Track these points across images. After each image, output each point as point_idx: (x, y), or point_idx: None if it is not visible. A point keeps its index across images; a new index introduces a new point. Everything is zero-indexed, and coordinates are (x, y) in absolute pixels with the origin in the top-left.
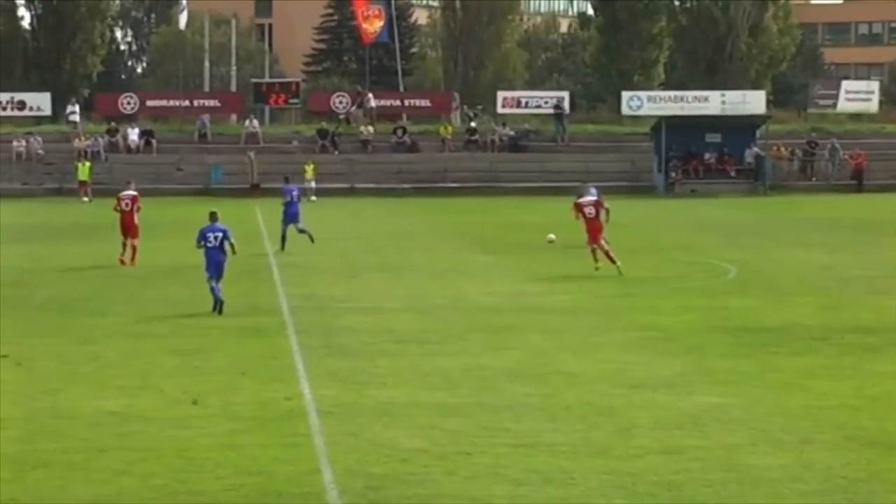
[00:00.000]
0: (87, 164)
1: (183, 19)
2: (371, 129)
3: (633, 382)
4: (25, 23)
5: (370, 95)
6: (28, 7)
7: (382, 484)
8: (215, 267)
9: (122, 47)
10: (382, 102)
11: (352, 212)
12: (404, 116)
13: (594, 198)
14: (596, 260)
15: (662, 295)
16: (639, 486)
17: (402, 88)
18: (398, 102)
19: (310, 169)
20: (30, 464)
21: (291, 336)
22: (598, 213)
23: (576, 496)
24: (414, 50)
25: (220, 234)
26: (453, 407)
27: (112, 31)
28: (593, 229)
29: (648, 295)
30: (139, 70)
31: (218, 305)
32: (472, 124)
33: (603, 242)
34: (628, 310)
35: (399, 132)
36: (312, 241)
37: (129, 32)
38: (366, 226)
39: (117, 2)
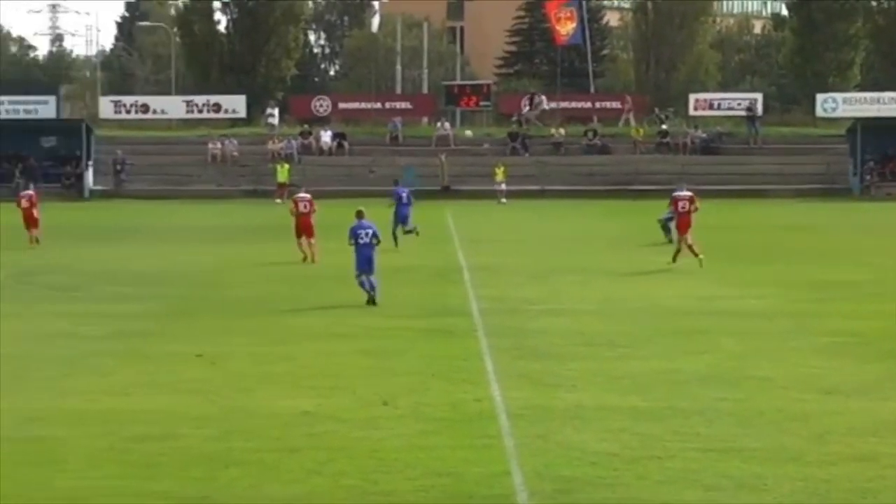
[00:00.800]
0: (287, 166)
1: (375, 22)
2: (562, 131)
3: (827, 388)
4: (221, 27)
5: (543, 98)
6: (224, 11)
7: (572, 487)
8: (367, 262)
9: (316, 50)
10: (573, 105)
11: (542, 214)
12: (595, 118)
13: (689, 193)
14: (674, 260)
15: (858, 300)
16: (833, 493)
17: (592, 90)
18: (589, 104)
19: (500, 171)
20: (223, 462)
21: (482, 338)
22: (689, 209)
23: (769, 502)
24: (605, 52)
25: (370, 231)
26: (644, 410)
27: (306, 35)
28: (683, 223)
29: (844, 299)
30: (332, 73)
31: (370, 298)
32: (664, 126)
33: (688, 237)
34: (823, 314)
35: (590, 134)
36: (417, 234)
37: (323, 36)
38: (556, 228)
39: (311, 5)
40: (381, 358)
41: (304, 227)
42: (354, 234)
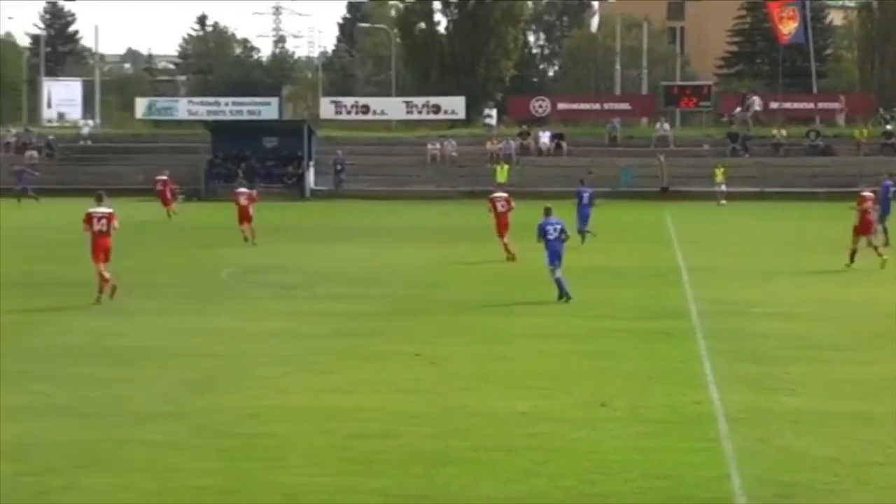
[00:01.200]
0: (506, 166)
1: (595, 22)
2: (784, 132)
3: None
4: (441, 27)
5: (756, 98)
6: (444, 12)
7: (792, 492)
8: (557, 256)
9: (535, 51)
10: (795, 105)
11: (762, 215)
12: (817, 119)
13: (871, 194)
14: (878, 252)
15: None
16: None
17: (815, 90)
18: (811, 105)
19: (720, 172)
20: (441, 460)
21: (700, 340)
22: (871, 210)
23: None
24: (829, 51)
25: (559, 227)
26: (866, 415)
27: (525, 35)
28: (868, 224)
29: None
30: (551, 73)
31: (565, 296)
32: (888, 127)
33: (872, 237)
34: None
35: (812, 135)
36: (583, 239)
37: (542, 36)
38: (776, 230)
39: (530, 5)
40: (598, 359)
41: (502, 226)
42: (543, 231)
